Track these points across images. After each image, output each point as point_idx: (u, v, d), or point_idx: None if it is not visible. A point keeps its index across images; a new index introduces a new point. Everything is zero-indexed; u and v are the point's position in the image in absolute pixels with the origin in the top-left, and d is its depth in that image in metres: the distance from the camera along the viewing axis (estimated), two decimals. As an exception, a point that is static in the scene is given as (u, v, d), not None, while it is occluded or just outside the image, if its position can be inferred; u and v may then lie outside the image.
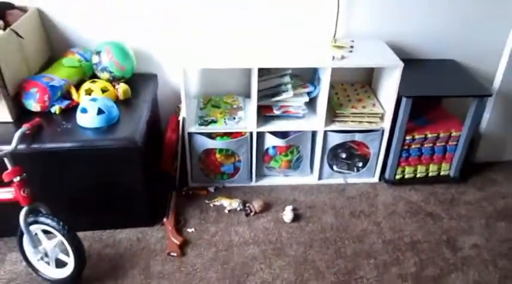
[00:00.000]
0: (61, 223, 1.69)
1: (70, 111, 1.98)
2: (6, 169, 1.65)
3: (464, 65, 2.50)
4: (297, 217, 2.19)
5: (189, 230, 2.11)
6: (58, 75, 2.03)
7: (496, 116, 2.50)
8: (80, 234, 1.79)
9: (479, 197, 2.36)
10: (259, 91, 2.16)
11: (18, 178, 1.65)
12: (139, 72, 2.33)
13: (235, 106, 2.38)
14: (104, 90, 2.06)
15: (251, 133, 2.24)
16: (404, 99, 2.18)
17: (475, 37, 2.45)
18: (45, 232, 1.77)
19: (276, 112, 2.26)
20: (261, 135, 2.27)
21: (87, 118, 1.89)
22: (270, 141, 2.29)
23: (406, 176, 2.42)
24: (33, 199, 1.70)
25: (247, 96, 2.46)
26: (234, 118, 2.28)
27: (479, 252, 2.02)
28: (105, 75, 2.14)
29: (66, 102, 2.00)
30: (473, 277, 1.90)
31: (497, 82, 2.40)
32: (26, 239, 1.77)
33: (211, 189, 2.35)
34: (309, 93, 2.27)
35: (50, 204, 1.76)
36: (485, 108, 2.48)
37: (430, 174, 2.44)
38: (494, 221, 2.20)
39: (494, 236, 2.12)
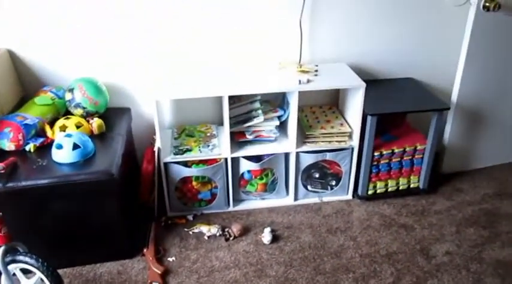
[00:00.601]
0: (40, 260, 1.69)
1: (45, 148, 2.00)
2: (-18, 209, 1.65)
3: (422, 82, 2.65)
4: (275, 238, 2.23)
5: (170, 259, 2.12)
6: (31, 114, 2.06)
7: (457, 128, 2.64)
8: (60, 271, 1.78)
9: (448, 206, 2.47)
10: (231, 118, 2.24)
11: (-6, 218, 1.65)
12: (113, 106, 2.37)
13: (208, 134, 2.45)
14: (78, 126, 2.09)
15: (226, 159, 2.30)
16: (369, 117, 2.29)
17: (430, 56, 2.62)
18: (23, 271, 1.76)
19: (249, 137, 2.33)
20: (235, 161, 2.33)
21: (63, 154, 1.92)
22: (245, 166, 2.35)
23: (378, 191, 2.51)
24: (11, 238, 1.70)
25: (220, 123, 2.54)
26: (209, 145, 2.34)
27: (452, 258, 2.11)
28: (79, 111, 2.17)
29: (41, 140, 2.02)
30: (448, 282, 1.97)
31: (454, 96, 2.55)
32: (3, 279, 1.75)
33: (190, 217, 2.38)
34: (279, 117, 2.36)
35: (28, 242, 1.75)
36: (446, 121, 2.62)
37: (401, 187, 2.54)
38: (463, 228, 2.30)
39: (465, 242, 2.21)
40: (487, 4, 2.29)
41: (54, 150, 1.94)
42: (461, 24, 2.41)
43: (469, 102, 2.57)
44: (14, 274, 1.76)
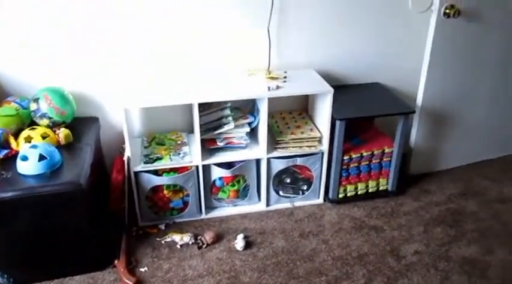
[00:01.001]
0: (6, 276, 1.64)
1: (9, 160, 1.94)
2: None
3: (388, 86, 2.72)
4: (248, 245, 2.24)
5: (142, 269, 2.09)
6: (-6, 125, 2.00)
7: (422, 131, 2.72)
8: (27, 285, 1.73)
9: (416, 207, 2.53)
10: (201, 125, 2.24)
11: (-44, 234, 1.60)
12: (81, 116, 2.33)
13: (179, 142, 2.44)
14: (44, 137, 2.04)
15: (197, 167, 2.29)
16: (338, 122, 2.33)
17: (396, 61, 2.70)
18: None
19: (220, 144, 2.33)
20: (206, 168, 2.32)
21: (28, 166, 1.87)
22: (216, 173, 2.35)
23: (348, 194, 2.55)
24: (-26, 254, 1.65)
25: (191, 131, 2.53)
26: (179, 153, 2.33)
27: (420, 258, 2.16)
28: (45, 122, 2.13)
29: (5, 152, 1.97)
30: (418, 281, 2.02)
31: (419, 100, 2.63)
32: (-33, 297, 1.69)
33: (162, 226, 2.36)
34: (249, 124, 2.37)
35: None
36: (412, 124, 2.69)
37: (370, 190, 2.59)
38: (431, 228, 2.37)
39: (432, 241, 2.27)
40: (447, 11, 2.38)
41: (19, 162, 1.89)
42: (424, 30, 2.50)
43: (434, 105, 2.65)
44: (-22, 291, 1.71)
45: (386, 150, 2.51)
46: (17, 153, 1.97)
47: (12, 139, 2.03)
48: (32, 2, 2.12)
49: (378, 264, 2.12)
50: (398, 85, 2.76)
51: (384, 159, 2.53)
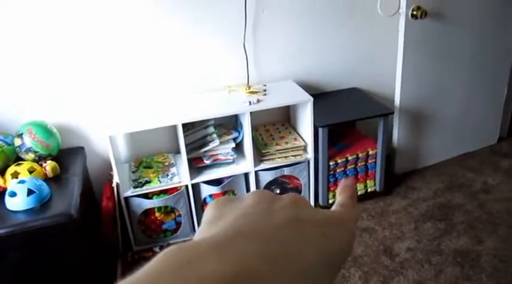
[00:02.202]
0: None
1: (-3, 197, 1.95)
2: None
3: (366, 90, 2.79)
4: (245, 258, 2.25)
5: (141, 294, 2.09)
6: (-20, 164, 2.00)
7: (403, 130, 2.79)
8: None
9: (404, 205, 2.59)
10: (187, 145, 2.26)
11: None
12: (66, 147, 2.34)
13: (166, 163, 2.46)
14: (31, 171, 2.05)
15: (186, 187, 2.32)
16: (320, 129, 2.38)
17: (371, 65, 2.77)
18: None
19: (207, 162, 2.36)
20: (196, 187, 2.35)
21: (17, 201, 1.87)
22: (206, 191, 2.37)
23: (338, 199, 2.59)
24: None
25: (177, 151, 2.55)
26: (168, 175, 2.35)
27: (414, 254, 2.20)
28: (31, 156, 2.13)
29: (-8, 190, 1.97)
30: (413, 277, 2.06)
31: (397, 101, 2.70)
32: None
33: (157, 249, 2.36)
34: (234, 139, 2.41)
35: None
36: (392, 124, 2.76)
37: (359, 193, 2.63)
38: (421, 224, 2.42)
39: (423, 236, 2.32)
40: (415, 13, 2.47)
41: (7, 198, 1.89)
42: (394, 33, 2.58)
43: (411, 105, 2.73)
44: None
45: (370, 152, 2.56)
46: (4, 189, 1.97)
47: (-1, 177, 2.03)
48: (11, 36, 2.14)
49: (373, 264, 2.15)
50: (376, 89, 2.84)
51: (369, 161, 2.58)
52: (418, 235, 2.33)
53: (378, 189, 2.66)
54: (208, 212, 0.33)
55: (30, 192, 1.88)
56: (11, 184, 1.96)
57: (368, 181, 2.63)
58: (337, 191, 0.40)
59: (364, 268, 2.13)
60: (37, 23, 2.15)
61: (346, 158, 2.52)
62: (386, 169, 2.64)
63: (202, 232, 0.31)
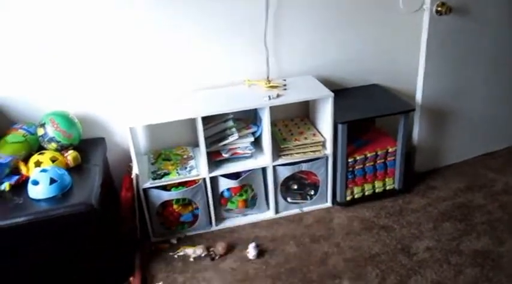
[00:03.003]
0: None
1: (21, 185, 1.98)
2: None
3: (386, 87, 2.75)
4: (261, 253, 2.26)
5: (158, 284, 2.12)
6: (3, 153, 2.04)
7: (424, 128, 2.75)
8: (46, 308, 1.76)
9: (423, 204, 2.55)
10: (206, 138, 2.27)
11: (-26, 262, 1.63)
12: (87, 138, 2.37)
13: (185, 156, 2.47)
14: (53, 160, 2.08)
15: (204, 180, 2.32)
16: (340, 125, 2.36)
17: (392, 61, 2.73)
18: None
19: (225, 155, 2.36)
20: (214, 180, 2.35)
21: (40, 190, 1.90)
22: (224, 184, 2.37)
23: (356, 196, 2.57)
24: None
25: (196, 144, 2.56)
26: (186, 167, 2.36)
27: (432, 254, 2.17)
28: (53, 145, 2.17)
29: (16, 178, 2.00)
30: (431, 277, 2.03)
31: (418, 98, 2.66)
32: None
33: (174, 240, 2.38)
34: (253, 133, 2.41)
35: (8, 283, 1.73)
36: (413, 121, 2.72)
37: (377, 190, 2.60)
38: (440, 223, 2.38)
39: (443, 236, 2.28)
40: (439, 9, 2.42)
41: (30, 187, 1.92)
42: (417, 29, 2.54)
43: (433, 102, 2.68)
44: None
45: (390, 150, 2.53)
46: (27, 178, 2.00)
47: (22, 165, 2.06)
48: (34, 27, 2.17)
49: (390, 263, 2.13)
50: (397, 85, 2.80)
51: (388, 159, 2.55)
52: (437, 235, 2.30)
53: (396, 187, 2.62)
54: None
55: (52, 181, 1.91)
56: (33, 172, 1.99)
57: (387, 179, 2.60)
58: None
59: (381, 266, 2.11)
60: (63, 15, 2.17)
61: (365, 155, 2.49)
62: (406, 167, 2.60)
63: None
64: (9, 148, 2.07)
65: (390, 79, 2.78)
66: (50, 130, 2.15)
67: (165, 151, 2.52)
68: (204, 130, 2.24)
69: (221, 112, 2.28)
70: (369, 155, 2.50)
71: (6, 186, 1.96)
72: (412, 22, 2.61)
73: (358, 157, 2.48)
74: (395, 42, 2.69)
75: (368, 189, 2.58)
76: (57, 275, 1.98)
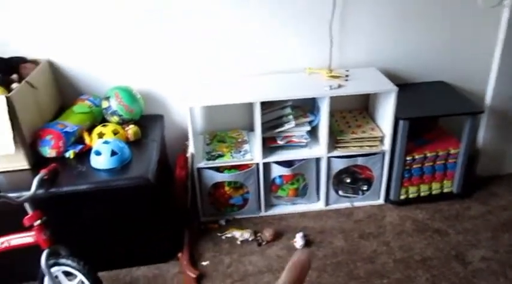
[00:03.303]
0: (81, 263, 1.75)
1: (84, 154, 2.07)
2: (27, 214, 1.72)
3: (454, 85, 2.61)
4: (308, 243, 2.24)
5: (204, 263, 2.15)
6: (70, 122, 2.13)
7: (491, 131, 2.59)
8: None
9: (483, 211, 2.42)
10: (262, 123, 2.26)
11: (38, 222, 1.72)
12: (147, 114, 2.43)
13: (240, 139, 2.48)
14: (115, 133, 2.15)
15: (257, 165, 2.32)
16: (401, 122, 2.28)
17: (463, 59, 2.58)
18: (65, 273, 1.82)
19: (280, 142, 2.35)
20: (267, 166, 2.35)
21: (101, 160, 1.98)
22: (276, 171, 2.37)
23: (410, 196, 2.49)
24: (53, 241, 1.76)
25: (251, 129, 2.56)
26: (240, 151, 2.37)
27: (488, 264, 2.07)
28: (115, 119, 2.24)
29: (80, 147, 2.09)
30: (486, 289, 1.94)
31: (488, 100, 2.51)
32: (47, 281, 1.81)
33: (222, 222, 2.41)
34: (310, 122, 2.37)
35: (68, 246, 1.81)
36: (479, 124, 2.58)
37: (434, 192, 2.50)
38: (500, 234, 2.26)
39: (501, 247, 2.16)
40: (521, 5, 2.26)
41: (93, 157, 2.01)
42: (494, 26, 2.38)
43: (503, 104, 2.52)
44: (57, 277, 1.82)
45: (452, 151, 2.41)
46: (90, 148, 2.09)
47: (86, 135, 2.15)
48: (104, 4, 2.23)
49: (442, 269, 2.05)
50: (465, 84, 2.65)
51: (449, 160, 2.44)
52: (496, 245, 2.18)
53: (455, 191, 2.51)
54: None
55: (113, 153, 1.98)
56: (96, 143, 2.07)
57: (445, 181, 2.49)
58: (286, 268, 0.34)
59: (432, 271, 2.04)
60: (133, -9, 2.22)
61: (425, 154, 2.39)
62: (467, 171, 2.47)
63: None
64: (75, 118, 2.17)
65: (458, 77, 2.63)
66: (114, 104, 2.22)
67: (220, 133, 2.54)
68: (262, 115, 2.24)
69: (280, 99, 2.26)
70: (428, 155, 2.39)
71: (71, 153, 2.06)
72: (488, 18, 2.45)
73: (417, 156, 2.39)
74: (468, 39, 2.54)
75: (424, 190, 2.49)
76: (112, 242, 2.06)
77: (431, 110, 2.37)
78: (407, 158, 2.38)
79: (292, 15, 2.37)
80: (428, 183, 2.48)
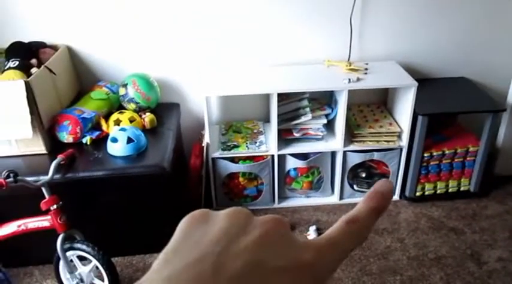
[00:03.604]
0: (96, 248, 1.77)
1: (100, 141, 2.08)
2: (43, 198, 1.74)
3: (475, 81, 2.56)
4: (321, 237, 2.23)
5: (216, 253, 2.16)
6: (88, 108, 2.14)
7: None
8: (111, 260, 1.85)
9: (501, 211, 2.38)
10: (279, 115, 2.24)
11: (55, 206, 1.74)
12: (163, 102, 2.43)
13: (255, 130, 2.47)
14: (131, 120, 2.16)
15: (272, 156, 2.31)
16: (420, 117, 2.24)
17: (485, 54, 2.52)
18: (80, 258, 1.85)
19: (296, 135, 2.33)
20: (282, 158, 2.33)
21: (118, 147, 1.99)
22: (291, 163, 2.35)
23: (426, 193, 2.45)
24: (69, 226, 1.78)
25: (267, 120, 2.55)
26: (256, 142, 2.36)
27: (504, 265, 2.04)
28: (132, 106, 2.24)
29: (97, 133, 2.10)
30: (501, 290, 1.91)
31: (510, 97, 2.45)
32: (62, 265, 1.84)
33: (236, 212, 2.41)
34: (327, 115, 2.35)
35: (83, 231, 1.83)
36: (501, 122, 2.52)
37: (450, 190, 2.46)
38: (518, 234, 2.22)
39: (519, 249, 2.13)
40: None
41: (109, 143, 2.01)
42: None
43: (527, 103, 2.46)
44: (71, 260, 1.85)
45: (471, 149, 2.37)
46: (107, 134, 2.10)
47: (103, 122, 2.16)
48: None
49: (457, 268, 2.03)
50: (487, 81, 2.59)
51: (468, 158, 2.39)
52: (513, 246, 2.15)
53: (472, 189, 2.46)
54: (178, 231, 0.31)
55: (129, 140, 1.99)
56: (113, 130, 2.08)
57: (463, 179, 2.45)
58: (366, 195, 0.32)
59: (447, 270, 2.01)
60: (153, -22, 2.21)
61: (443, 151, 2.36)
62: (486, 169, 2.43)
63: (163, 263, 0.29)
64: (92, 104, 2.17)
65: (481, 74, 2.57)
66: (131, 91, 2.23)
67: (236, 124, 2.53)
68: (278, 106, 2.22)
69: (297, 91, 2.23)
70: (447, 152, 2.36)
71: (88, 139, 2.07)
72: (514, 13, 2.38)
73: (435, 153, 2.35)
74: (492, 33, 2.47)
75: (440, 187, 2.45)
76: (127, 229, 2.07)
77: (452, 106, 2.33)
78: (425, 155, 2.34)
79: (313, 7, 2.33)
80: (445, 181, 2.44)
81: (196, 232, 0.31)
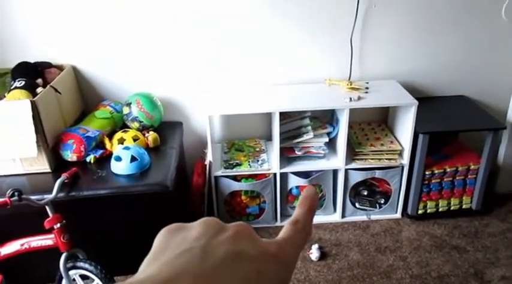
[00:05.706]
0: (99, 267, 1.77)
1: (104, 159, 2.09)
2: (47, 216, 1.74)
3: (475, 100, 2.59)
4: (323, 255, 2.23)
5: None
6: (92, 127, 2.17)
7: (512, 148, 2.56)
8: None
9: (503, 228, 2.38)
10: (281, 133, 2.27)
11: (58, 225, 1.75)
12: (166, 121, 2.45)
13: (258, 149, 2.49)
14: (135, 139, 2.18)
15: (275, 175, 2.33)
16: (421, 136, 2.26)
17: (484, 73, 2.56)
18: (82, 277, 1.84)
19: (298, 153, 2.35)
20: (284, 176, 2.35)
21: (121, 166, 2.00)
22: (293, 181, 2.36)
23: (429, 210, 2.46)
24: (72, 245, 1.79)
25: (269, 139, 2.57)
26: (258, 160, 2.38)
27: (508, 284, 2.03)
28: (136, 125, 2.27)
29: (101, 151, 2.12)
30: (505, 309, 1.90)
31: (510, 115, 2.48)
32: (64, 284, 1.84)
33: (238, 230, 2.41)
34: (328, 134, 2.37)
35: (86, 249, 1.84)
36: (501, 140, 2.54)
37: (452, 208, 2.47)
38: (520, 253, 2.22)
39: (522, 267, 2.13)
40: (547, 21, 2.23)
41: (113, 162, 2.03)
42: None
43: (526, 122, 2.49)
44: (74, 280, 1.84)
45: (472, 167, 2.38)
46: (111, 153, 2.11)
47: (107, 140, 2.18)
48: (127, 13, 2.27)
49: (461, 287, 2.02)
50: (487, 99, 2.62)
51: (469, 176, 2.40)
52: (516, 264, 2.14)
53: (474, 207, 2.47)
54: (156, 241, 0.35)
55: (133, 159, 2.00)
56: (117, 149, 2.10)
57: (464, 197, 2.45)
58: (299, 201, 0.40)
59: (450, 289, 2.01)
60: (162, 4, 2.26)
61: (444, 169, 2.37)
62: (487, 187, 2.44)
63: (147, 265, 0.33)
64: (97, 123, 2.20)
65: (480, 92, 2.61)
66: (135, 110, 2.25)
67: (238, 142, 2.55)
68: (280, 125, 2.24)
69: (299, 110, 2.26)
70: (448, 170, 2.37)
71: (91, 158, 2.08)
72: (512, 33, 2.43)
73: (436, 171, 2.36)
74: (490, 53, 2.51)
75: (442, 205, 2.45)
76: (129, 247, 2.06)
77: (452, 125, 2.35)
78: (427, 173, 2.36)
79: (314, 27, 2.38)
80: (447, 199, 2.45)
81: (176, 238, 0.35)
